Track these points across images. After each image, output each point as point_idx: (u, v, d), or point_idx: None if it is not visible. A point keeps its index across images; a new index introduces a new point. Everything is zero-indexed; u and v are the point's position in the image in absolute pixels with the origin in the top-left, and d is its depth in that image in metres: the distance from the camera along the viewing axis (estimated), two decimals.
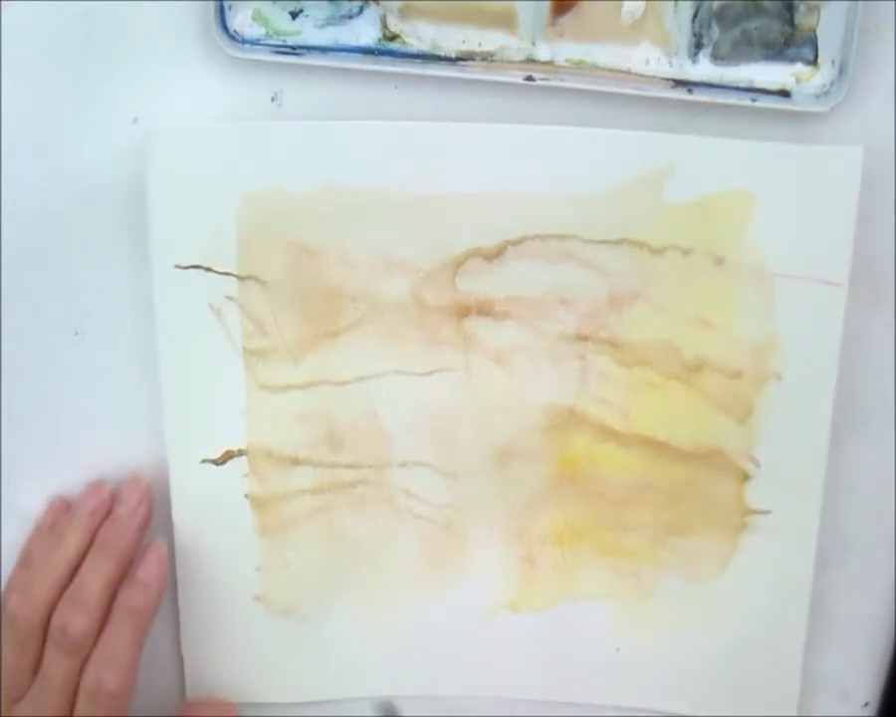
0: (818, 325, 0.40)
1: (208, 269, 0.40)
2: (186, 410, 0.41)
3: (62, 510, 0.42)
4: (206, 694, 0.44)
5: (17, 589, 0.39)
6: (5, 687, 0.39)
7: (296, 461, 0.42)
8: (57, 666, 0.38)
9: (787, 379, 0.40)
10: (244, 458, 0.42)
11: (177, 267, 0.40)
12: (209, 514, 0.42)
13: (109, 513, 0.41)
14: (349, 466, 0.42)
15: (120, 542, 0.40)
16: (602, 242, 0.40)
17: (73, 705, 0.38)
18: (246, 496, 0.42)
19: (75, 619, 0.38)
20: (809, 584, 0.42)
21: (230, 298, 0.40)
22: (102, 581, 0.39)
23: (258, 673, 0.44)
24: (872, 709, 0.45)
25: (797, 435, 0.41)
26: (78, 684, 0.38)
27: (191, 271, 0.40)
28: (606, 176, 0.39)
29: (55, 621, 0.38)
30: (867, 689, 0.44)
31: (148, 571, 0.40)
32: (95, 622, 0.39)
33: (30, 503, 0.42)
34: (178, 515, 0.42)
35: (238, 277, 0.40)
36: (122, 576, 0.40)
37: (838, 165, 0.39)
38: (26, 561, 0.41)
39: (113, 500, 0.41)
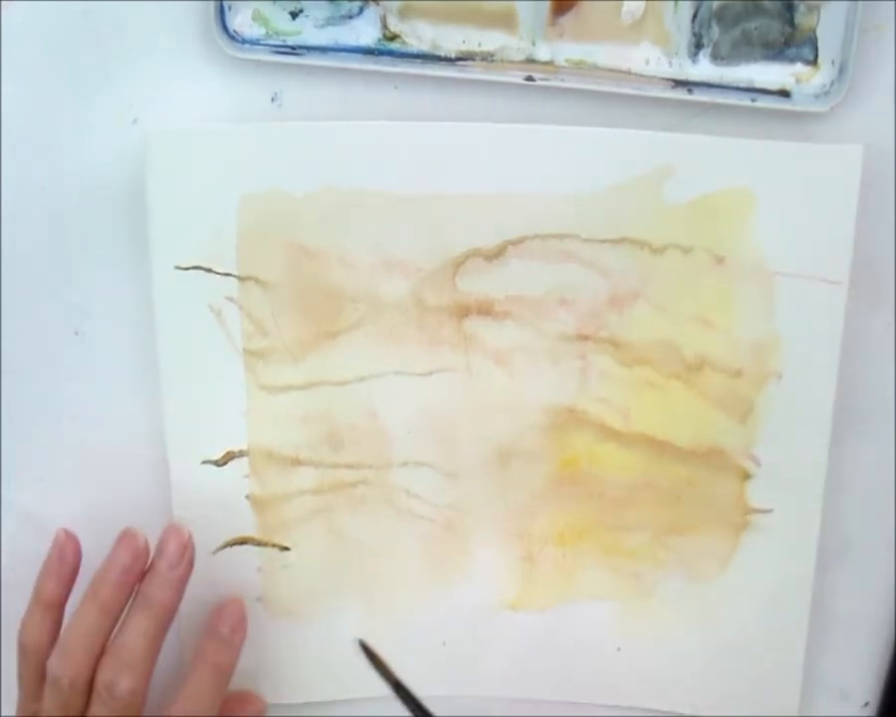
0: (819, 324, 0.40)
1: (208, 270, 0.40)
2: (186, 411, 0.41)
3: (64, 543, 0.40)
4: None
5: (57, 648, 0.38)
6: None
7: (296, 462, 0.42)
8: None
9: (788, 379, 0.40)
10: (244, 459, 0.42)
11: (177, 268, 0.40)
12: (210, 515, 0.42)
13: (143, 565, 0.39)
14: (350, 466, 0.42)
15: (163, 598, 0.39)
16: (602, 242, 0.40)
17: None
18: (247, 497, 0.42)
19: (121, 680, 0.37)
20: (810, 584, 0.42)
21: (230, 299, 0.40)
22: (146, 639, 0.38)
23: (260, 674, 0.44)
24: (872, 709, 0.45)
25: (798, 434, 0.41)
26: None
27: (191, 272, 0.40)
28: (606, 176, 0.39)
29: (101, 679, 0.38)
30: (867, 689, 0.44)
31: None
32: (142, 680, 0.38)
33: (30, 503, 0.42)
34: (179, 516, 0.42)
35: (238, 278, 0.40)
36: (166, 631, 0.39)
37: (838, 164, 0.39)
38: (36, 597, 0.40)
39: (149, 551, 0.39)
